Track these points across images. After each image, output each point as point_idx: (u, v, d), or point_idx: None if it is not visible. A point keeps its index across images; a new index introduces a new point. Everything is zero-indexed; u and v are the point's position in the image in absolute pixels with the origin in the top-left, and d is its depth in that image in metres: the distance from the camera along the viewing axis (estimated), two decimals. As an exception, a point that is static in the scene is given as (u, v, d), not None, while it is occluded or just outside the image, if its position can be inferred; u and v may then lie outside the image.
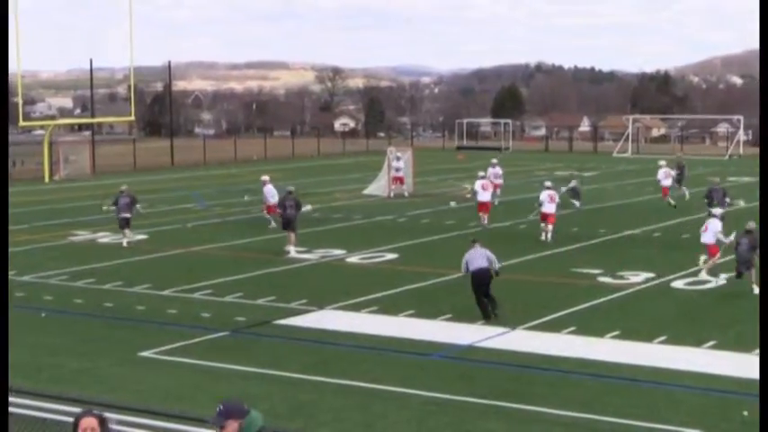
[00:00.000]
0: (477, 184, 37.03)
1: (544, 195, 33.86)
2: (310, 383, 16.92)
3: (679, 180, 45.18)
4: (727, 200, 33.83)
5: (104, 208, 35.27)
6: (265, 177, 37.34)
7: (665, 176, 43.40)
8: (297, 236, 31.22)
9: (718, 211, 27.95)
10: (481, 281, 21.87)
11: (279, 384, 16.93)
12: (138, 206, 33.57)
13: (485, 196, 36.64)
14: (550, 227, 32.95)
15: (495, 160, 47.11)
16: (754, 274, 24.37)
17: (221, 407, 7.51)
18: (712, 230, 26.32)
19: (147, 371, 17.87)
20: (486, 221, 36.27)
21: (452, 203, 43.68)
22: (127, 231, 33.21)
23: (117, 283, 25.77)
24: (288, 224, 31.22)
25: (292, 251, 30.62)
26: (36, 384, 14.60)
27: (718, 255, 26.32)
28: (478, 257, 22.14)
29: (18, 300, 23.87)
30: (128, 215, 33.10)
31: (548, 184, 35.41)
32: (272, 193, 36.16)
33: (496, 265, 22.18)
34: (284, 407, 15.67)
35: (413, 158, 49.73)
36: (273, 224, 35.41)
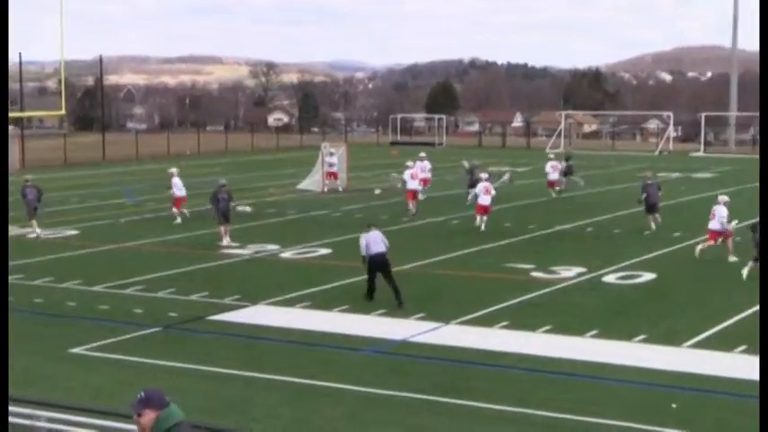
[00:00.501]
0: (407, 173, 38.85)
1: (479, 187, 34.95)
2: (243, 379, 16.84)
3: (566, 173, 46.85)
4: (660, 193, 34.40)
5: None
6: (173, 170, 37.98)
7: (553, 170, 45.23)
8: (230, 229, 31.26)
9: (723, 198, 28.44)
10: (379, 265, 22.56)
11: (211, 380, 16.83)
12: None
13: (413, 185, 38.40)
14: (485, 217, 34.05)
15: (422, 154, 47.75)
16: (731, 242, 27.06)
17: (142, 394, 7.36)
18: (718, 217, 27.18)
19: (78, 367, 17.66)
20: (413, 209, 37.85)
21: (377, 191, 44.70)
22: (34, 223, 33.40)
23: (47, 279, 25.44)
24: (222, 216, 31.26)
25: (225, 242, 30.71)
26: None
27: (719, 240, 27.59)
28: (377, 242, 22.78)
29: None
30: (36, 206, 33.68)
31: (483, 176, 36.33)
32: (178, 186, 36.86)
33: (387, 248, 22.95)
34: (217, 403, 15.57)
35: (347, 154, 49.73)
36: (179, 220, 36.14)
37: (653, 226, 33.47)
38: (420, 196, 40.83)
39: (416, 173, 39.84)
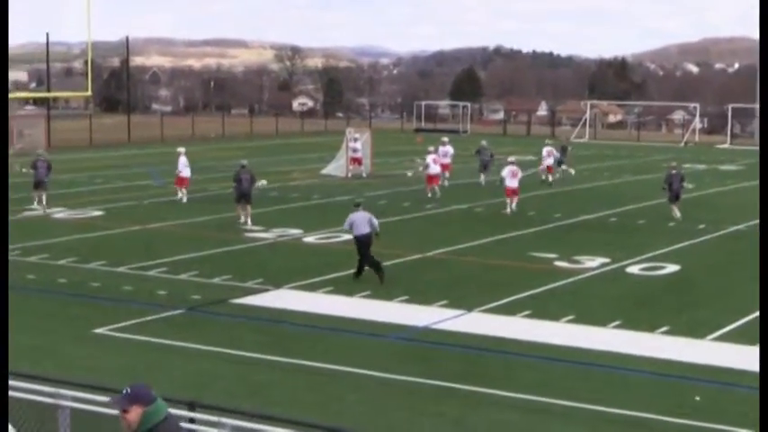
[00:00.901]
0: (429, 158, 39.58)
1: (506, 171, 36.09)
2: (265, 363, 16.90)
3: (560, 162, 47.36)
4: (684, 184, 34.42)
5: (23, 170, 35.84)
6: (181, 149, 38.78)
7: (548, 155, 45.70)
8: (250, 209, 31.71)
9: None
10: (365, 245, 23.52)
11: (234, 363, 16.89)
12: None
13: (435, 169, 38.99)
14: (515, 199, 35.57)
15: (445, 139, 47.92)
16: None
17: (128, 390, 7.22)
18: None
19: (102, 348, 17.77)
20: (433, 193, 39.03)
21: (409, 173, 45.06)
22: (43, 196, 34.89)
23: (71, 259, 25.57)
24: (242, 197, 31.82)
25: (246, 223, 31.23)
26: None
27: None
28: (363, 222, 23.68)
29: (-29, 274, 23.64)
30: (45, 180, 35.21)
31: (510, 159, 37.18)
32: (184, 164, 37.77)
33: (377, 229, 23.98)
34: (239, 386, 15.64)
35: (371, 139, 49.69)
36: (181, 197, 37.40)
37: (677, 214, 33.52)
38: (443, 182, 41.48)
39: (438, 158, 40.86)
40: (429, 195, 38.97)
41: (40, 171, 35.43)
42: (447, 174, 43.86)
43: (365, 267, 23.59)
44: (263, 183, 35.00)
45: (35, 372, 12.27)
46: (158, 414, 7.19)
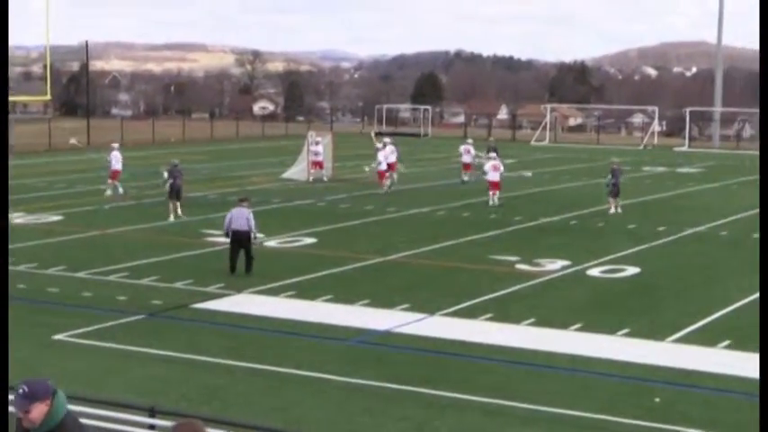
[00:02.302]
0: (488, 165, 39.65)
1: (488, 166, 38.87)
2: (226, 368, 16.82)
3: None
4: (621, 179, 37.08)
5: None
6: (114, 144, 42.54)
7: (465, 153, 47.76)
8: (179, 205, 33.91)
9: None
10: (240, 241, 24.28)
11: (194, 368, 16.81)
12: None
13: (494, 176, 38.93)
14: (497, 192, 37.96)
15: (387, 139, 48.46)
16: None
17: (24, 388, 6.70)
18: None
19: (61, 354, 17.62)
20: (387, 186, 41.84)
21: (366, 168, 47.17)
22: None
23: (31, 265, 25.35)
24: (175, 194, 34.03)
25: (172, 218, 33.48)
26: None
27: None
28: (240, 218, 24.36)
29: (-73, 281, 23.39)
30: None
31: (492, 155, 40.45)
32: (117, 159, 40.42)
33: (254, 230, 24.59)
34: (198, 391, 15.56)
35: (333, 143, 49.62)
36: (109, 192, 39.66)
37: (614, 209, 36.17)
38: (388, 181, 43.50)
39: (498, 164, 40.65)
40: (385, 187, 41.91)
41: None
42: (392, 172, 44.95)
43: (245, 263, 24.34)
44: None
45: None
46: (62, 408, 6.80)
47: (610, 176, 36.88)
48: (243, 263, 24.43)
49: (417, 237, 30.73)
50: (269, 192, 42.04)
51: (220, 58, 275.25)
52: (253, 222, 24.59)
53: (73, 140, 44.07)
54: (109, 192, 39.98)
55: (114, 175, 40.45)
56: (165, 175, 35.23)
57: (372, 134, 47.34)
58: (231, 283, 23.37)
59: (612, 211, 36.06)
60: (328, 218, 34.55)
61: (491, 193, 38.20)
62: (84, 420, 10.50)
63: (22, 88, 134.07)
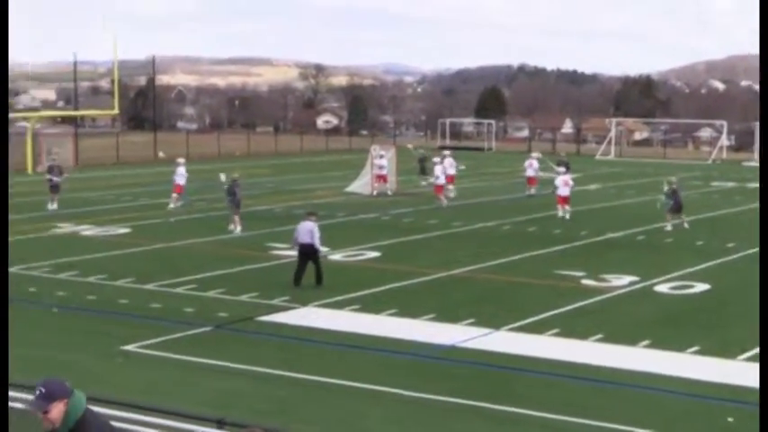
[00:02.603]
0: (558, 180, 39.78)
1: (559, 180, 39.28)
2: (291, 380, 16.85)
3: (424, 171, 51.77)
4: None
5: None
6: (180, 159, 42.97)
7: (529, 166, 48.62)
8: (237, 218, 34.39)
9: None
10: (306, 255, 24.60)
11: (259, 381, 16.86)
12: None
13: (564, 191, 39.14)
14: (567, 207, 38.41)
15: (446, 152, 50.68)
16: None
17: (42, 389, 6.77)
18: None
19: (129, 365, 17.77)
20: (444, 201, 41.76)
21: (423, 183, 47.49)
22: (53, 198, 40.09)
23: (100, 276, 25.63)
24: (236, 206, 34.55)
25: (239, 230, 33.96)
26: (13, 376, 14.48)
27: None
28: (305, 232, 24.70)
29: None
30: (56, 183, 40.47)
31: (561, 169, 40.37)
32: (180, 174, 41.50)
33: (317, 243, 24.74)
34: (264, 403, 15.60)
35: (396, 157, 49.67)
36: (172, 205, 40.51)
37: (682, 224, 35.45)
38: (450, 194, 44.49)
39: (568, 179, 41.14)
40: (443, 203, 41.66)
41: (52, 178, 40.51)
42: (450, 184, 46.11)
43: (315, 276, 24.58)
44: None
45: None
46: (80, 406, 6.86)
47: (664, 197, 36.52)
48: (313, 276, 24.54)
49: (482, 251, 30.61)
50: (333, 205, 42.15)
51: (284, 73, 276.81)
52: (317, 236, 24.73)
53: (161, 154, 45.39)
54: (171, 205, 40.79)
55: (177, 189, 41.44)
56: (223, 177, 36.10)
57: (411, 147, 48.28)
58: (296, 296, 23.43)
59: (669, 227, 35.27)
60: (392, 232, 34.56)
61: (560, 206, 38.61)
62: (149, 431, 10.61)
63: (90, 102, 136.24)
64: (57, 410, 6.81)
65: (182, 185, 41.63)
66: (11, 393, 10.79)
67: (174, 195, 41.27)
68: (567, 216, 38.08)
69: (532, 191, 46.94)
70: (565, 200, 38.73)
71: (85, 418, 6.91)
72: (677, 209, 35.83)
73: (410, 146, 47.33)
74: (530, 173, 47.98)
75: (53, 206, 39.64)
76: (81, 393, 6.93)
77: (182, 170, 41.70)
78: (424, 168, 52.49)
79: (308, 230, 24.69)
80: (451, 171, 47.09)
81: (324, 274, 24.74)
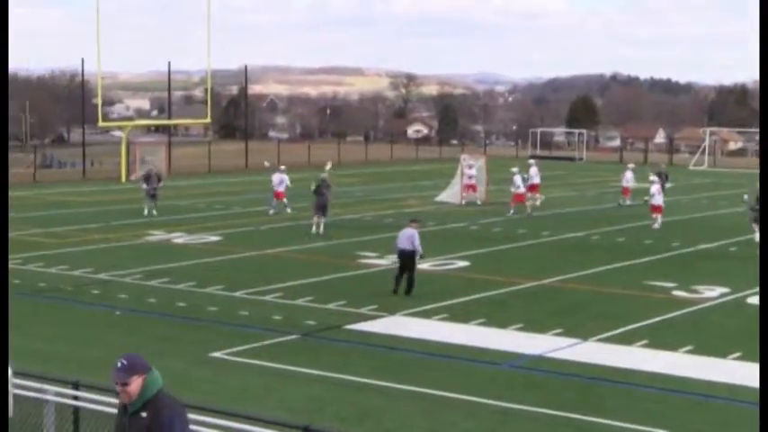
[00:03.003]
0: (654, 188, 39.79)
1: (654, 189, 39.30)
2: (378, 389, 16.92)
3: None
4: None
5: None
6: (281, 167, 43.80)
7: (624, 178, 47.56)
8: (323, 221, 35.59)
9: None
10: (404, 261, 24.76)
11: (347, 388, 16.96)
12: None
13: (658, 200, 39.16)
14: (659, 216, 38.47)
15: (531, 161, 50.59)
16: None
17: (124, 362, 7.11)
18: None
19: (218, 371, 18.00)
20: (657, 224, 38.81)
21: (534, 203, 46.04)
22: (150, 205, 41.31)
23: (190, 284, 26.00)
24: (321, 209, 35.62)
25: (314, 230, 35.22)
26: (108, 381, 14.75)
27: None
28: (404, 239, 24.88)
29: (93, 297, 24.25)
30: (153, 192, 41.61)
31: (653, 178, 40.30)
32: (279, 180, 42.34)
33: (419, 249, 24.84)
34: (351, 411, 15.69)
35: (486, 166, 49.56)
36: (272, 211, 41.71)
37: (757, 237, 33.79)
38: (536, 203, 44.75)
39: (659, 188, 40.87)
40: (656, 226, 38.75)
41: (147, 187, 41.64)
42: (537, 195, 46.17)
43: (406, 284, 24.70)
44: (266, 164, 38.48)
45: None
46: (158, 381, 7.17)
47: (749, 203, 35.31)
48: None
49: (571, 261, 30.40)
50: (423, 214, 42.15)
51: (375, 82, 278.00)
52: (417, 242, 24.87)
53: (266, 163, 46.52)
54: (271, 211, 41.73)
55: (277, 195, 42.43)
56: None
57: (461, 157, 49.12)
58: (384, 305, 23.51)
59: (758, 237, 33.75)
60: (481, 241, 34.51)
61: (653, 215, 38.76)
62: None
63: (183, 111, 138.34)
64: (136, 384, 7.12)
65: (280, 192, 42.40)
66: (107, 399, 11.04)
67: (275, 201, 42.33)
68: (657, 225, 38.05)
69: (627, 201, 46.40)
70: (658, 209, 38.71)
71: (161, 394, 7.21)
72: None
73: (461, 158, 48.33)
74: (625, 183, 47.60)
75: (154, 213, 40.67)
76: (158, 374, 7.23)
77: (278, 176, 42.47)
78: None
79: (408, 237, 24.93)
80: (536, 180, 46.93)
81: (415, 283, 24.80)
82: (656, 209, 38.83)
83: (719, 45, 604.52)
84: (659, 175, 46.96)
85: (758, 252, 32.60)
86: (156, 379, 7.18)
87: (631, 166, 50.34)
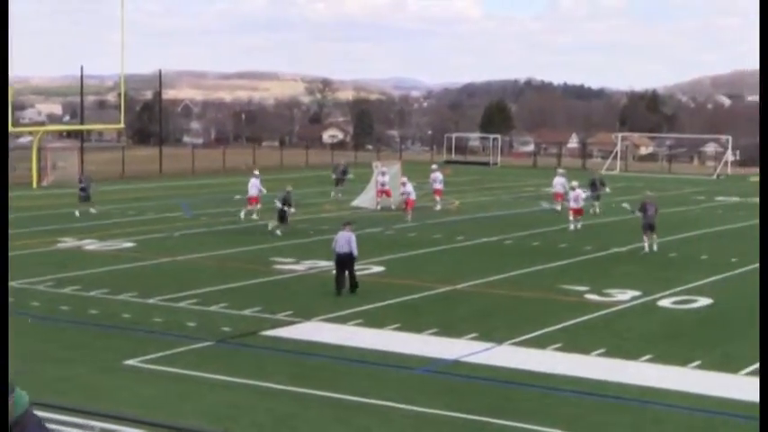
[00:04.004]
0: (576, 193, 40.60)
1: (574, 194, 40.26)
2: (294, 395, 16.85)
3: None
4: (657, 216, 34.52)
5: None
6: (255, 171, 44.43)
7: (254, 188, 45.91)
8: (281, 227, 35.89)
9: None
10: (343, 263, 25.54)
11: (263, 395, 16.86)
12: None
13: (580, 204, 40.35)
14: (579, 218, 39.65)
15: (434, 166, 51.53)
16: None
17: None
18: None
19: (131, 379, 17.77)
20: (573, 226, 39.70)
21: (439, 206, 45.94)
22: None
23: (103, 291, 25.66)
24: (649, 227, 33.94)
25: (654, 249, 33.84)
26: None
27: None
28: (342, 241, 25.67)
29: (2, 305, 23.77)
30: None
31: (574, 184, 41.26)
32: (253, 185, 42.32)
33: (355, 252, 25.68)
34: (267, 418, 15.61)
35: (401, 172, 49.64)
36: (253, 215, 41.51)
37: (650, 247, 33.53)
38: (436, 207, 46.04)
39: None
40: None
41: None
42: (438, 198, 47.51)
43: (346, 285, 25.62)
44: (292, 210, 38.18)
45: (63, 403, 12.27)
46: (22, 402, 6.84)
47: (634, 209, 35.11)
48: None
49: (485, 266, 30.61)
50: (339, 220, 42.06)
51: (291, 87, 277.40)
52: (354, 244, 25.69)
53: (243, 166, 46.72)
54: (242, 215, 42.09)
55: (250, 201, 42.40)
56: (278, 204, 37.18)
57: (373, 164, 49.80)
58: (300, 310, 23.44)
59: (647, 249, 33.48)
60: (396, 246, 34.57)
61: (572, 218, 39.67)
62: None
63: (96, 116, 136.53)
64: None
65: (253, 197, 42.44)
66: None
67: (248, 207, 42.35)
68: (578, 226, 39.32)
69: (558, 207, 46.30)
70: (578, 212, 39.91)
71: (28, 414, 6.90)
72: (651, 227, 33.86)
73: (374, 163, 48.83)
74: (559, 189, 47.19)
75: (93, 210, 43.03)
76: (23, 392, 6.89)
77: (254, 181, 42.61)
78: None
79: (347, 240, 25.67)
80: (438, 185, 47.84)
81: (357, 281, 25.82)
82: (576, 212, 39.70)
83: (631, 52, 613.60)
84: (593, 182, 47.28)
85: (672, 255, 33.17)
86: (19, 401, 6.82)
87: (561, 171, 50.37)
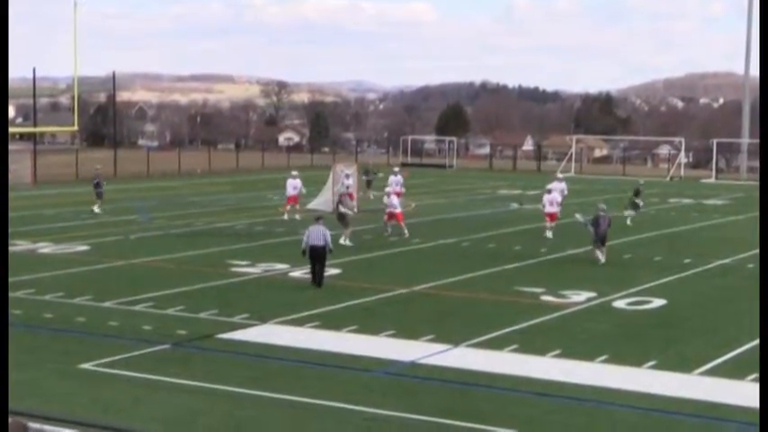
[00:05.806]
0: (545, 198, 39.87)
1: (544, 199, 39.45)
2: (251, 398, 16.80)
3: (368, 184, 54.60)
4: (609, 229, 32.95)
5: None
6: (294, 172, 45.71)
7: (292, 188, 45.35)
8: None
9: None
10: (317, 257, 26.69)
11: (219, 399, 16.79)
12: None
13: (550, 209, 39.28)
14: (553, 224, 38.51)
15: (396, 168, 52.00)
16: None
17: None
18: None
19: (87, 383, 17.63)
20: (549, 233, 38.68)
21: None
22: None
23: (57, 294, 25.45)
24: (601, 240, 32.47)
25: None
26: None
27: None
28: (317, 235, 26.61)
29: (-45, 310, 23.52)
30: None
31: (549, 187, 41.13)
32: (292, 186, 43.86)
33: (330, 245, 27.12)
34: (224, 422, 15.54)
35: (357, 174, 49.71)
36: (286, 216, 42.77)
37: (602, 259, 32.16)
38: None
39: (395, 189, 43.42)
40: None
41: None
42: (400, 200, 46.90)
43: (322, 276, 26.84)
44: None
45: (19, 408, 12.17)
46: None
47: (587, 222, 33.29)
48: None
49: (442, 268, 30.68)
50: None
51: (246, 89, 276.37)
52: (329, 238, 26.99)
53: (199, 170, 46.27)
54: (285, 216, 42.94)
55: (289, 200, 43.79)
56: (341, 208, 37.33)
57: (338, 167, 50.41)
58: (256, 313, 23.38)
59: (603, 261, 32.05)
60: (352, 248, 34.55)
61: (548, 224, 38.70)
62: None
63: (49, 119, 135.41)
64: None
65: (293, 196, 43.66)
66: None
67: (287, 207, 43.51)
68: (550, 234, 38.00)
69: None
70: (552, 216, 38.75)
71: None
72: (603, 240, 32.50)
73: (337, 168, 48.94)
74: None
75: (98, 210, 44.77)
76: None
77: (291, 182, 43.84)
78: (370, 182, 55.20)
79: (322, 234, 26.71)
80: (397, 188, 47.58)
81: (323, 278, 26.88)
82: (551, 216, 38.73)
83: (586, 55, 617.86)
84: (638, 191, 45.70)
85: (626, 257, 33.40)
86: None
87: (560, 176, 49.90)
